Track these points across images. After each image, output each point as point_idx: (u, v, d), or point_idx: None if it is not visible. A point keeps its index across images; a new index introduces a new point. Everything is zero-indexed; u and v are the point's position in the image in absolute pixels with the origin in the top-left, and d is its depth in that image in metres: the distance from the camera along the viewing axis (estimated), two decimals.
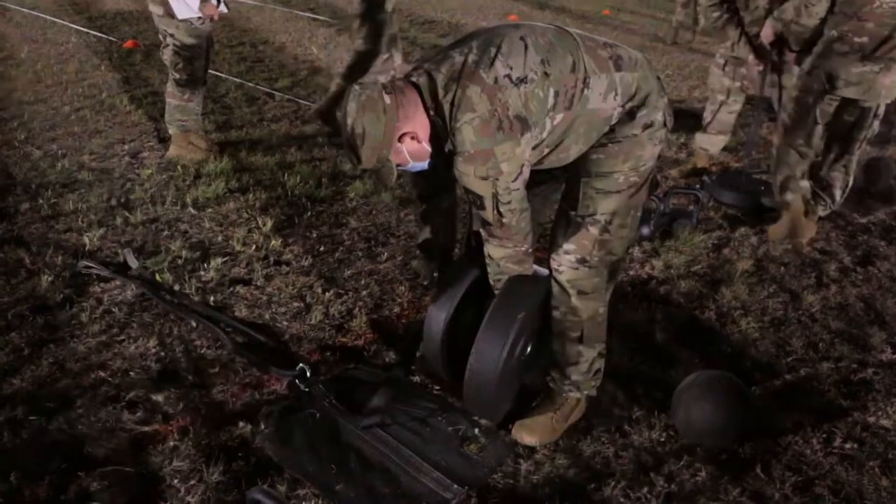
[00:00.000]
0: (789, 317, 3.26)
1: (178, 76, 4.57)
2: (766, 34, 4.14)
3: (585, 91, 2.09)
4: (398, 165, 2.10)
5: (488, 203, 2.08)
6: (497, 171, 2.01)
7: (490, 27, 2.17)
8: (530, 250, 2.26)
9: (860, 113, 3.78)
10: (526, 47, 2.04)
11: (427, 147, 2.09)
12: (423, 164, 2.15)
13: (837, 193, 4.01)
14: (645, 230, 3.87)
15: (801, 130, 3.85)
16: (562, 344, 2.36)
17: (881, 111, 3.79)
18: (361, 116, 1.97)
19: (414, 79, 2.08)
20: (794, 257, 3.85)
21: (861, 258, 3.89)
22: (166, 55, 4.56)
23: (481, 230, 2.22)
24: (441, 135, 2.06)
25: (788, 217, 3.97)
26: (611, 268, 2.30)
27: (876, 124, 3.85)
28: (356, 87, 2.03)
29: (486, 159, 1.99)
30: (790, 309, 3.33)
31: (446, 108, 2.01)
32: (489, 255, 2.25)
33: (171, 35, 4.47)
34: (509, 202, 2.07)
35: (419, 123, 2.05)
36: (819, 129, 3.86)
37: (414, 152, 2.09)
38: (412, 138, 2.05)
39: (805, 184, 3.99)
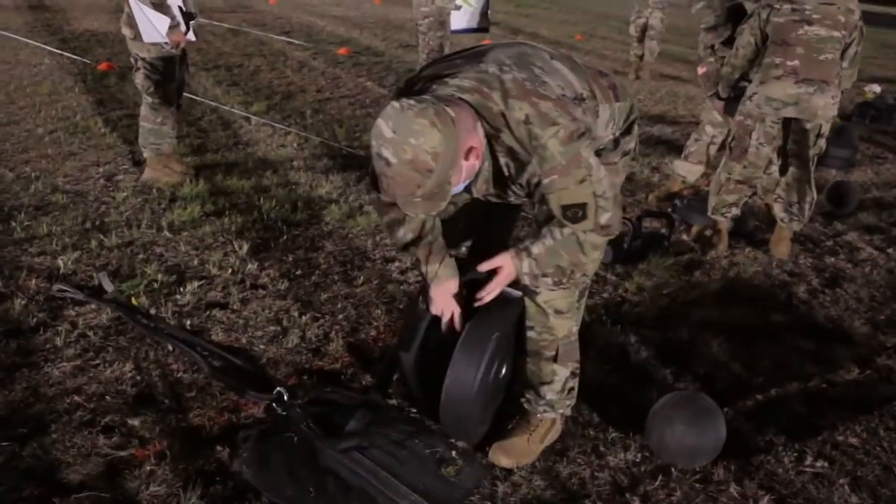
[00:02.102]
0: (760, 338, 3.32)
1: (150, 100, 4.59)
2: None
3: (596, 120, 2.12)
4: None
5: (591, 208, 2.00)
6: (589, 168, 1.97)
7: (503, 44, 2.13)
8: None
9: (802, 133, 3.97)
10: (561, 68, 2.03)
11: (477, 167, 1.97)
12: (460, 188, 2.01)
13: (805, 207, 4.15)
14: (618, 253, 3.92)
15: (744, 153, 4.07)
16: (537, 363, 2.38)
17: (824, 131, 3.98)
18: (436, 134, 1.77)
19: (466, 97, 1.93)
20: (763, 279, 3.92)
21: (829, 280, 3.98)
22: (138, 78, 4.58)
23: (575, 231, 2.07)
24: (520, 156, 1.96)
25: (781, 234, 4.26)
26: (582, 287, 2.35)
27: (822, 143, 4.02)
28: (409, 102, 1.81)
29: (579, 163, 1.95)
30: (760, 330, 3.40)
31: (520, 127, 1.91)
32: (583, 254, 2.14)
33: (142, 58, 4.49)
34: (604, 192, 2.02)
35: (478, 140, 1.93)
36: (765, 152, 4.06)
37: (469, 171, 1.94)
38: (475, 155, 1.93)
39: (736, 211, 4.23)
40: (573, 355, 2.41)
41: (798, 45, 3.83)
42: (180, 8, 4.42)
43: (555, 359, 2.35)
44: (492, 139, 1.96)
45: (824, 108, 3.87)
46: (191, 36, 4.54)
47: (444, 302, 2.32)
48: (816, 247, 4.44)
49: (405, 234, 2.28)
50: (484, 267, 2.18)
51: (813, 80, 3.82)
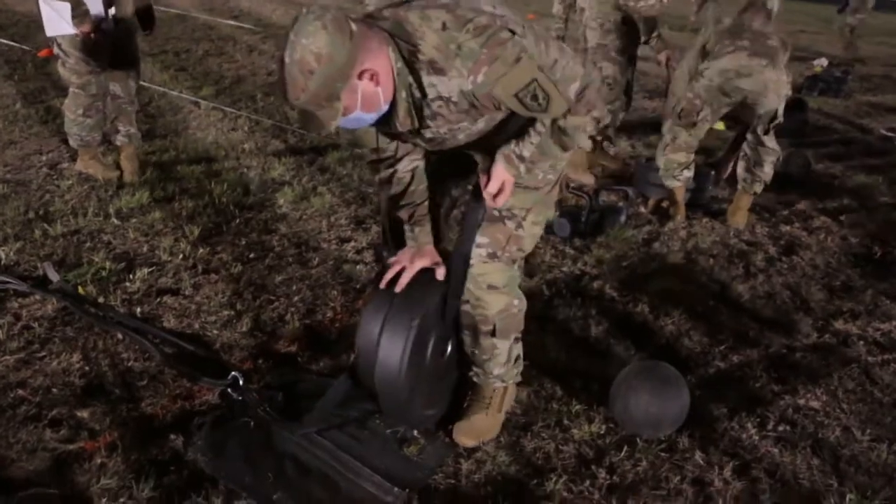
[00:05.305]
0: (719, 306, 3.33)
1: (72, 90, 4.30)
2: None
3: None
4: (343, 111, 1.81)
5: (545, 83, 1.86)
6: (521, 47, 1.82)
7: None
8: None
9: (755, 118, 4.05)
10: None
11: (381, 97, 1.85)
12: (367, 119, 1.89)
13: (768, 168, 4.19)
14: (573, 227, 3.89)
15: (692, 125, 4.12)
16: (474, 338, 2.30)
17: (779, 113, 4.01)
18: (324, 36, 1.69)
19: (380, 24, 1.83)
20: (721, 249, 3.94)
21: (785, 248, 4.02)
22: (60, 69, 4.30)
23: (553, 120, 2.03)
24: (443, 67, 1.81)
25: (739, 203, 4.30)
26: (518, 263, 2.29)
27: (778, 120, 4.04)
28: (315, 8, 1.74)
29: (503, 45, 1.80)
30: (720, 299, 3.41)
31: (438, 35, 1.79)
32: (563, 128, 2.07)
33: (60, 48, 4.20)
34: (554, 63, 1.88)
35: (382, 65, 1.81)
36: (706, 127, 4.18)
37: (367, 97, 1.82)
38: (371, 78, 1.80)
39: (688, 174, 4.24)
40: (515, 328, 2.33)
41: (745, 32, 3.92)
42: None
43: (493, 333, 2.27)
44: (412, 57, 1.84)
45: (776, 83, 3.88)
46: (107, 24, 4.09)
47: (406, 259, 2.25)
48: (772, 216, 4.47)
49: (392, 188, 2.21)
50: (493, 187, 2.09)
51: (764, 55, 3.86)
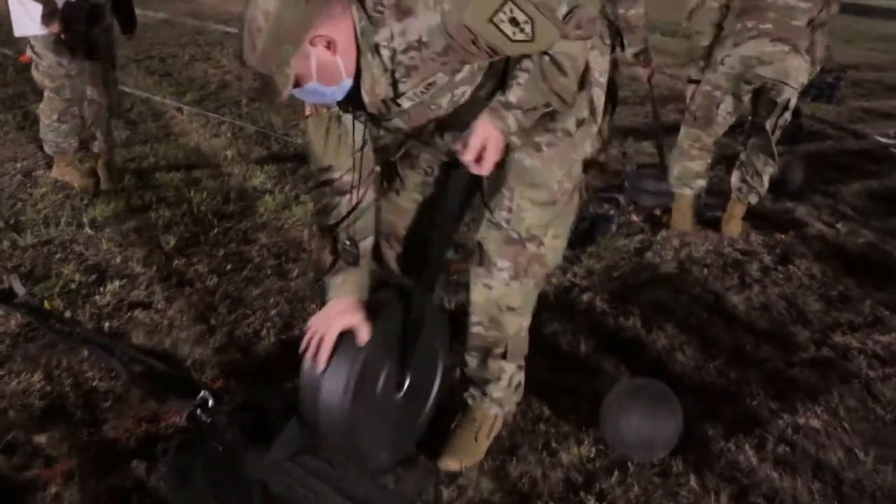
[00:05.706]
0: (714, 319, 3.21)
1: (46, 94, 4.17)
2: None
3: None
4: (296, 83, 1.65)
5: (527, 8, 1.62)
6: None
7: None
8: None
9: (770, 104, 3.88)
10: None
11: (341, 68, 1.66)
12: (328, 93, 1.71)
13: (766, 179, 4.08)
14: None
15: (710, 123, 3.97)
16: (483, 360, 2.19)
17: (792, 104, 3.89)
18: None
19: None
20: (715, 258, 3.82)
21: (780, 257, 3.90)
22: (33, 72, 4.16)
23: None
24: (409, 5, 1.64)
25: (733, 211, 4.16)
26: (541, 280, 2.17)
27: (787, 115, 3.93)
28: None
29: None
30: (714, 311, 3.29)
31: None
32: (567, 54, 1.77)
33: (32, 47, 4.07)
34: None
35: (341, 32, 1.64)
36: (731, 120, 4.02)
37: (323, 67, 1.64)
38: (328, 46, 1.62)
39: (702, 183, 4.11)
40: (522, 350, 2.24)
41: (770, 10, 3.78)
42: None
43: (504, 356, 2.17)
44: (376, 9, 1.66)
45: (797, 70, 3.79)
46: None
47: (322, 325, 1.98)
48: (766, 224, 4.35)
49: (330, 219, 2.00)
50: (475, 142, 1.78)
51: (787, 41, 3.76)
